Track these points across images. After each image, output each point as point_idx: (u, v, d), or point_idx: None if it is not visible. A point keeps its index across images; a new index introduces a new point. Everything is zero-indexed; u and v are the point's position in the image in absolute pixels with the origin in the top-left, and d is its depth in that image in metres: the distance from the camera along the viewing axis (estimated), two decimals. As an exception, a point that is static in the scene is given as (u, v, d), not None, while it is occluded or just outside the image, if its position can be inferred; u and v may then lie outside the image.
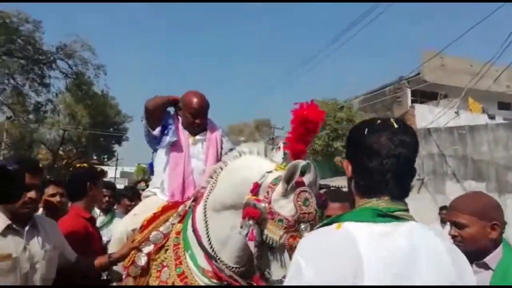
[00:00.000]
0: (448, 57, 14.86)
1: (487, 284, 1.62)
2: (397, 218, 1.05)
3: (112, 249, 2.39)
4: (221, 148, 2.59)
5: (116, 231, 2.53)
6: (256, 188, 1.68)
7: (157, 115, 2.51)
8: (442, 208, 7.50)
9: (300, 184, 1.64)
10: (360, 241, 0.98)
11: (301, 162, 1.61)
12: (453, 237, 1.78)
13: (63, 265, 2.08)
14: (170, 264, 2.03)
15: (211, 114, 2.62)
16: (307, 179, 1.70)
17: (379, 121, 1.14)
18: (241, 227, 1.66)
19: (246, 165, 1.89)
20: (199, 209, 2.05)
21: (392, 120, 1.14)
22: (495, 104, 16.93)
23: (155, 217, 2.27)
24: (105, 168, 35.57)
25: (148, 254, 2.09)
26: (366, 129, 1.12)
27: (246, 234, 1.62)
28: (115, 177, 30.76)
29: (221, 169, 2.03)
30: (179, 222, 2.16)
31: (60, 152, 29.61)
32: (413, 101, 15.65)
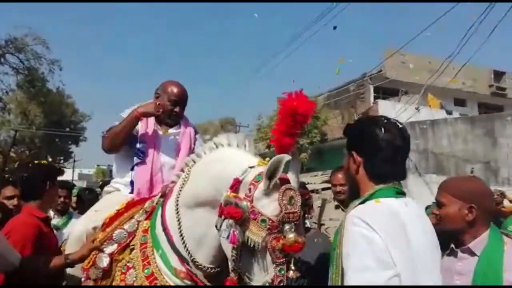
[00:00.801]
0: (408, 54, 15.32)
1: (471, 270, 1.63)
2: (404, 195, 1.39)
3: (70, 249, 2.19)
4: (194, 145, 2.46)
5: (75, 229, 2.32)
6: (236, 185, 1.54)
7: (121, 146, 2.35)
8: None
9: (285, 181, 1.52)
10: (399, 211, 1.31)
11: (286, 157, 1.47)
12: (435, 215, 1.85)
13: (5, 269, 1.94)
14: (137, 265, 1.88)
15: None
16: (291, 175, 1.58)
17: (386, 120, 1.41)
18: (217, 226, 1.54)
19: (224, 159, 1.73)
20: (170, 205, 1.90)
21: (394, 120, 1.43)
22: (452, 101, 17.68)
23: (118, 214, 2.12)
24: (62, 170, 34.39)
25: (111, 255, 1.93)
26: (383, 128, 1.37)
27: (228, 236, 1.49)
28: (72, 179, 29.43)
29: (194, 162, 1.88)
30: (146, 219, 2.00)
31: (12, 154, 27.78)
32: (375, 98, 16.03)
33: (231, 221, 1.48)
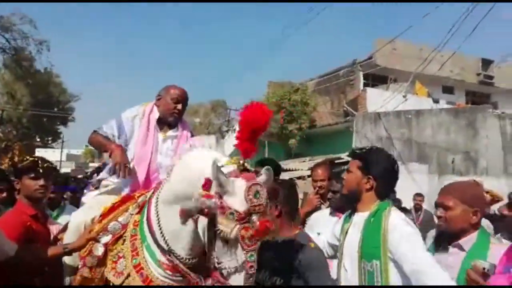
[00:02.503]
0: (399, 41, 15.32)
1: (459, 264, 1.86)
2: None
3: (68, 237, 2.35)
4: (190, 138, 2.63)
5: (74, 220, 2.46)
6: (207, 183, 1.68)
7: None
8: (417, 195, 7.88)
9: (249, 177, 1.67)
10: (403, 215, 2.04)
11: (215, 163, 1.64)
12: (439, 217, 2.04)
13: (3, 259, 1.99)
14: (127, 255, 2.03)
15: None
16: (264, 174, 1.72)
17: (393, 156, 2.20)
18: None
19: (197, 158, 1.88)
20: (154, 201, 2.04)
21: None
22: (440, 89, 17.83)
23: (114, 207, 2.27)
24: (49, 150, 33.70)
25: (105, 245, 2.09)
26: (396, 165, 2.13)
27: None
28: (60, 160, 29.19)
29: (178, 162, 2.03)
30: (137, 213, 2.15)
31: (-1, 134, 27.40)
32: (365, 84, 16.05)
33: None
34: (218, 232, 1.62)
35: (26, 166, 2.36)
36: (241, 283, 1.59)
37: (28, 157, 2.42)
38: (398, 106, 12.21)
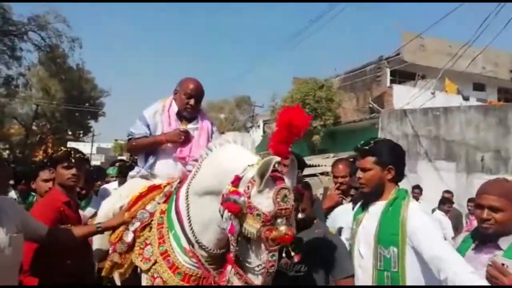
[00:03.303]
0: (427, 37, 14.94)
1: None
2: None
3: None
4: (211, 138, 2.67)
5: (103, 208, 2.58)
6: (237, 181, 1.71)
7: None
8: (414, 187, 7.82)
9: (280, 180, 1.68)
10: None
11: (274, 159, 1.62)
12: (485, 220, 1.88)
13: (34, 240, 2.11)
14: (153, 242, 2.09)
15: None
16: (288, 177, 1.74)
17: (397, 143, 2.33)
18: (220, 212, 1.72)
19: (229, 155, 1.90)
20: (182, 192, 2.08)
21: None
22: (470, 85, 17.26)
23: (141, 196, 2.35)
24: (80, 144, 34.94)
25: (134, 232, 2.17)
26: (401, 148, 2.27)
27: (226, 228, 1.68)
28: (91, 153, 30.22)
29: (207, 155, 2.06)
30: (164, 202, 2.21)
31: (33, 127, 28.71)
32: (391, 81, 15.77)
33: (230, 214, 1.66)
34: (243, 230, 1.65)
35: (60, 156, 2.48)
36: (261, 281, 1.63)
37: (62, 148, 2.57)
38: (425, 103, 11.94)
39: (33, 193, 3.64)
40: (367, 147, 2.20)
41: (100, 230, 2.28)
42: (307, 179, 3.25)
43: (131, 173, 2.82)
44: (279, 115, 1.72)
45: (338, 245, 2.13)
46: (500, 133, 10.92)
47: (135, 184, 2.57)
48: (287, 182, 1.71)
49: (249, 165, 1.75)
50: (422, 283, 1.93)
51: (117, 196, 2.60)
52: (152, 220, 2.18)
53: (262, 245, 1.63)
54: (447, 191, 7.65)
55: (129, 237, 2.18)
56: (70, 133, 32.81)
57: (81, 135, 35.41)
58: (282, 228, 1.60)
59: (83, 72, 25.89)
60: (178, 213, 2.06)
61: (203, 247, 1.97)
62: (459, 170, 10.79)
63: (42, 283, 2.22)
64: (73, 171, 2.47)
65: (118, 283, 2.35)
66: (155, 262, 2.04)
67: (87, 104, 30.49)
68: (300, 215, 2.03)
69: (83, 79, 27.83)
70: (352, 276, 2.08)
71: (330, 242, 2.13)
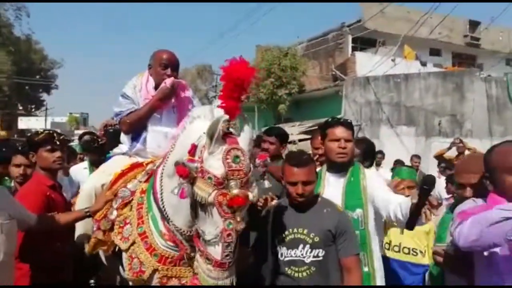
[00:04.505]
0: (388, 4, 15.09)
1: None
2: None
3: (81, 203, 2.43)
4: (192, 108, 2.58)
5: (86, 186, 2.54)
6: (192, 149, 1.69)
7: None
8: (377, 152, 8.14)
9: (232, 141, 1.64)
10: None
11: (222, 117, 1.61)
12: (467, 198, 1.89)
13: (24, 230, 2.11)
14: (133, 222, 2.07)
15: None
16: (243, 136, 1.70)
17: None
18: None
19: (192, 130, 1.85)
20: (158, 172, 2.04)
21: None
22: (427, 51, 17.86)
23: (123, 173, 2.32)
24: (32, 119, 32.87)
25: (117, 209, 2.16)
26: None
27: (177, 193, 1.66)
28: (45, 128, 28.61)
29: (181, 133, 2.01)
30: (145, 181, 2.18)
31: (-21, 103, 26.59)
32: (353, 48, 15.97)
33: (181, 179, 1.62)
34: (195, 196, 1.61)
35: (42, 139, 2.40)
36: (219, 253, 1.57)
37: (43, 131, 2.48)
38: (387, 71, 12.28)
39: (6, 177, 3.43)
40: (349, 121, 2.41)
41: (88, 215, 2.26)
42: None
43: (115, 150, 2.74)
44: (223, 69, 1.66)
45: (347, 224, 2.10)
46: (456, 98, 11.58)
47: (118, 162, 2.51)
48: (241, 143, 1.66)
49: (203, 133, 1.69)
50: (377, 235, 2.26)
51: (98, 174, 2.56)
52: (132, 199, 2.15)
53: (217, 213, 1.57)
54: (416, 156, 7.97)
55: (113, 214, 2.16)
56: (21, 108, 30.80)
57: (33, 109, 33.40)
58: (235, 192, 1.54)
59: (31, 43, 23.94)
60: (155, 193, 2.03)
61: (177, 229, 1.95)
62: (418, 134, 11.40)
63: (32, 267, 2.21)
64: (58, 153, 2.41)
65: (103, 258, 2.38)
66: (134, 243, 2.02)
67: (37, 77, 28.55)
68: (266, 184, 2.06)
69: (31, 50, 25.81)
70: (357, 254, 2.08)
71: (341, 222, 2.07)
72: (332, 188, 2.28)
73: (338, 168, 2.32)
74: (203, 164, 1.61)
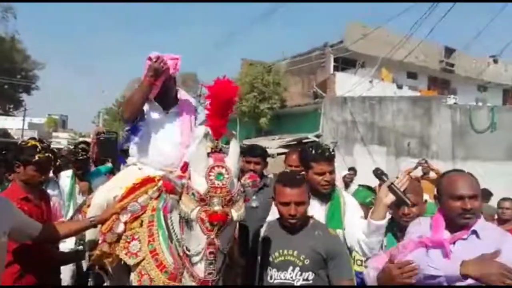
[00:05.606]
0: (369, 27, 15.72)
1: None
2: None
3: (92, 213, 2.38)
4: (196, 119, 2.65)
5: (97, 198, 2.48)
6: (184, 167, 1.78)
7: (138, 114, 2.49)
8: (350, 169, 8.59)
9: (217, 158, 1.66)
10: None
11: (208, 135, 1.68)
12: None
13: (23, 240, 2.07)
14: (142, 239, 2.07)
15: (140, 68, 2.48)
16: (231, 155, 1.71)
17: None
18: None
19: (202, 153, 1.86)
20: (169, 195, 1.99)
21: None
22: (405, 74, 18.58)
23: (135, 188, 2.28)
24: (9, 118, 31.91)
25: (125, 223, 2.14)
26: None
27: (161, 207, 1.75)
28: (22, 129, 28.06)
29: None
30: (156, 198, 2.18)
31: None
32: (335, 67, 16.47)
33: (166, 194, 1.67)
34: (180, 212, 1.62)
35: (33, 161, 2.34)
36: (202, 270, 1.56)
37: (44, 153, 2.40)
38: (364, 91, 12.86)
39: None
40: (333, 153, 2.39)
41: (94, 224, 2.26)
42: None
43: (128, 161, 2.69)
44: (208, 88, 1.70)
45: (340, 248, 2.06)
46: (425, 122, 12.33)
47: (130, 174, 2.49)
48: (228, 162, 1.66)
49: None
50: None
51: (111, 186, 2.52)
52: (143, 214, 2.16)
53: (200, 230, 1.58)
54: (351, 168, 8.49)
55: (119, 228, 2.14)
56: (-1, 106, 30.13)
57: (12, 109, 32.66)
58: (216, 209, 1.54)
59: (14, 43, 23.59)
60: (165, 213, 2.04)
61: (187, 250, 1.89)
62: (389, 154, 12.02)
63: (22, 268, 2.19)
64: (46, 176, 2.44)
65: (109, 268, 2.35)
66: (143, 259, 2.02)
67: (18, 77, 28.05)
68: (254, 204, 2.18)
69: (14, 50, 25.39)
70: (351, 279, 2.05)
71: (333, 245, 2.03)
72: (314, 212, 2.24)
73: (322, 194, 2.34)
74: (189, 181, 1.63)
